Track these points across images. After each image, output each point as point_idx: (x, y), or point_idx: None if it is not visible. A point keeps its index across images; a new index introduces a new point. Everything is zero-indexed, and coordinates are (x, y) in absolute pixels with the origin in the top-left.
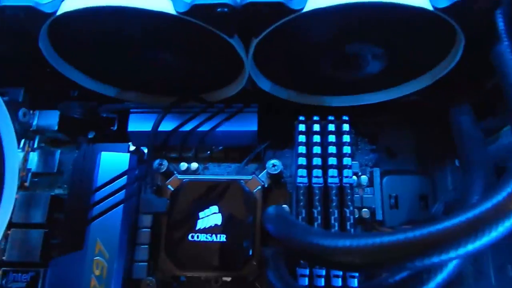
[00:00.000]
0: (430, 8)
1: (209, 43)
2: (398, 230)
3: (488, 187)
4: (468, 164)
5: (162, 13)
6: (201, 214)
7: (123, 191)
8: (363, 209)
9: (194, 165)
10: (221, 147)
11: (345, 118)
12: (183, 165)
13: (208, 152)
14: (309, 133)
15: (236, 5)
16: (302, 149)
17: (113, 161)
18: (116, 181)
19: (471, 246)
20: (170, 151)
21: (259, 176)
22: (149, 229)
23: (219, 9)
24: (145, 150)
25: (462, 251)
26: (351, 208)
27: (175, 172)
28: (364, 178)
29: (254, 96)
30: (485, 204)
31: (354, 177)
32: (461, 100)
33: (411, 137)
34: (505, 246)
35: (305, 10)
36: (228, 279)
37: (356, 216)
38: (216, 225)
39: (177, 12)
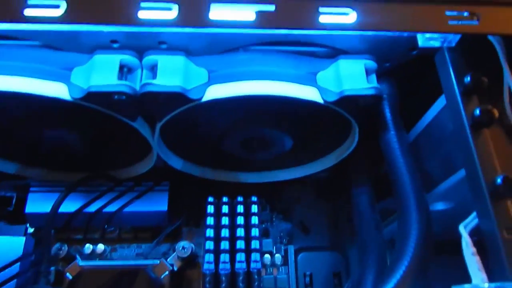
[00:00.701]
0: (321, 101)
1: (112, 125)
2: None
3: (380, 273)
4: (362, 245)
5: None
6: None
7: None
8: None
9: (100, 248)
10: (129, 227)
11: (254, 199)
12: (88, 248)
13: (116, 232)
14: (218, 215)
15: (134, 93)
16: (210, 233)
17: (6, 246)
18: (8, 269)
19: None
20: (74, 233)
21: (170, 258)
22: None
23: (116, 97)
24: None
25: None
26: None
27: (78, 257)
28: (278, 257)
29: (166, 174)
30: None
31: (267, 255)
32: (361, 180)
33: (325, 212)
34: None
35: (203, 100)
36: None
37: None
38: None
39: (72, 98)
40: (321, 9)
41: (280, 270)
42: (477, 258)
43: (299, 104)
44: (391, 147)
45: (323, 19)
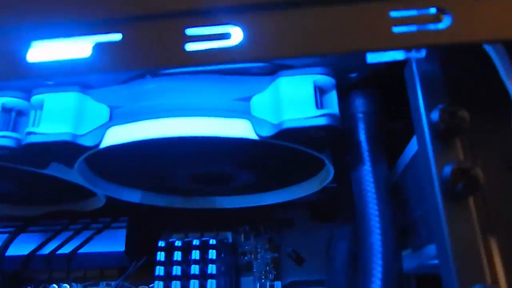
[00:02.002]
0: (255, 137)
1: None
2: None
3: None
4: None
5: None
6: None
7: None
8: None
9: None
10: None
11: (212, 242)
12: None
13: (82, 271)
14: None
15: (17, 146)
16: (159, 286)
17: None
18: None
19: None
20: (39, 273)
21: None
22: None
23: None
24: None
25: None
26: None
27: None
28: None
29: (125, 206)
30: None
31: None
32: (345, 218)
33: (321, 238)
34: None
35: (102, 146)
36: None
37: None
38: None
39: None
40: (189, 31)
41: None
42: None
43: (235, 140)
44: (362, 187)
45: (192, 46)
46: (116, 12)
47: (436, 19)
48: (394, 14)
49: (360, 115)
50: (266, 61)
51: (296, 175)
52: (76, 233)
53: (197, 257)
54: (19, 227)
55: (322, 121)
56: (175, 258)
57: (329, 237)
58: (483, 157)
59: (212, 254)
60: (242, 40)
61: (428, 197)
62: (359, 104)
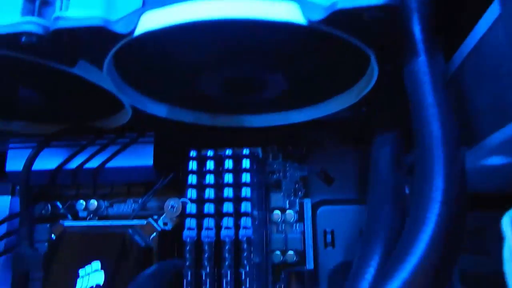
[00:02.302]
0: (304, 22)
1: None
2: None
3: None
4: (371, 216)
5: None
6: (81, 272)
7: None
8: (289, 251)
9: (93, 204)
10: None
11: (246, 152)
12: (81, 205)
13: (109, 187)
14: (202, 172)
15: (45, 32)
16: (192, 193)
17: None
18: None
19: None
20: (66, 189)
21: (163, 216)
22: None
23: (24, 39)
24: None
25: None
26: (247, 268)
27: (68, 216)
28: (289, 214)
29: (152, 122)
30: None
31: (277, 211)
32: (386, 128)
33: (350, 159)
34: None
35: (136, 34)
36: None
37: (280, 260)
38: (97, 285)
39: None
40: None
41: (294, 227)
42: None
43: (280, 28)
44: (418, 79)
45: None
46: None
47: None
48: None
49: (415, 5)
50: None
51: (331, 85)
52: (103, 147)
53: (230, 167)
54: (44, 141)
55: (380, 0)
56: (207, 167)
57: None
58: None
59: (246, 163)
60: None
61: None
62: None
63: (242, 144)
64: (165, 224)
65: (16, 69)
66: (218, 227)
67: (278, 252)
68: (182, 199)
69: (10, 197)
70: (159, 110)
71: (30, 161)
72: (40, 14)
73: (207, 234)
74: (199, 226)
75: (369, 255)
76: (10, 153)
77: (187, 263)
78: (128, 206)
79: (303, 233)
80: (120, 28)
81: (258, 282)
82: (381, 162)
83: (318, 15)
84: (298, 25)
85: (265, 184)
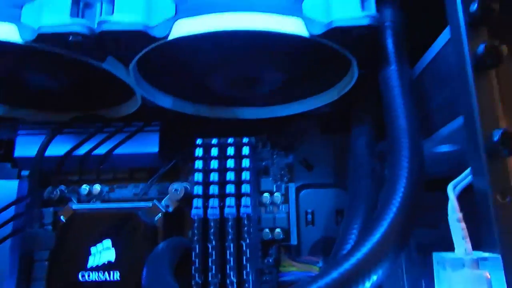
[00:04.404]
0: (307, 35)
1: (83, 66)
2: None
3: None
4: (352, 193)
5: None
6: (92, 250)
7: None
8: (276, 229)
9: (96, 189)
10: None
11: (245, 140)
12: (84, 189)
13: (112, 172)
14: (207, 158)
15: (91, 33)
16: (198, 177)
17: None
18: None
19: None
20: (70, 175)
21: (165, 199)
22: (46, 262)
23: (71, 38)
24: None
25: None
26: (248, 241)
27: (73, 200)
28: (277, 197)
29: (158, 113)
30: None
31: (266, 194)
32: (362, 120)
33: (328, 148)
34: (419, 262)
35: (170, 38)
36: None
37: (269, 237)
38: (109, 262)
39: (23, 40)
40: None
41: (280, 208)
42: (462, 225)
43: (284, 38)
44: (389, 83)
45: None
46: None
47: None
48: None
49: (389, 23)
50: None
51: (316, 84)
52: (111, 135)
53: (232, 153)
54: (56, 128)
55: (366, 21)
56: (212, 154)
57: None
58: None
59: (246, 150)
60: None
61: (459, 74)
62: (388, 14)
63: (235, 133)
64: (167, 206)
65: (36, 59)
66: (222, 206)
67: (267, 230)
68: (185, 184)
69: (17, 181)
70: (165, 101)
71: (44, 147)
72: (83, 16)
73: (213, 212)
74: (205, 206)
75: (353, 220)
76: (19, 140)
77: (195, 238)
78: (129, 191)
79: (288, 213)
80: (157, 33)
81: (256, 253)
82: (358, 148)
83: (318, 30)
84: (302, 37)
85: (257, 169)
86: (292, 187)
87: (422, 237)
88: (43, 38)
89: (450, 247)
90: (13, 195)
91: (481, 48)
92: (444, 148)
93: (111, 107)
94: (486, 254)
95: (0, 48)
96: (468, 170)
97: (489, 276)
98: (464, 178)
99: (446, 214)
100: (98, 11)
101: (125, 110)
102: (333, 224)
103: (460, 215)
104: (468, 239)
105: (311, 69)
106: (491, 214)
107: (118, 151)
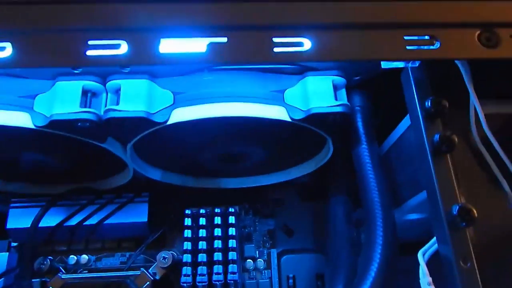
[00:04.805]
0: (289, 119)
1: (84, 146)
2: None
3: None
4: (333, 260)
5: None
6: None
7: None
8: None
9: (85, 258)
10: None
11: (231, 209)
12: (72, 259)
13: (100, 242)
14: (196, 227)
15: (98, 119)
16: (187, 245)
17: None
18: None
19: None
20: (58, 245)
21: (153, 267)
22: None
23: (80, 124)
24: None
25: None
26: None
27: (61, 270)
28: (260, 262)
29: (147, 184)
30: None
31: (250, 261)
32: (338, 190)
33: (309, 215)
34: None
35: (169, 123)
36: None
37: None
38: None
39: (36, 126)
40: (275, 40)
41: (263, 274)
42: None
43: (268, 122)
44: (362, 160)
45: (277, 49)
46: (224, 22)
47: (430, 42)
48: (406, 38)
49: (358, 108)
50: (325, 61)
51: (295, 157)
52: (102, 206)
53: (220, 222)
54: (50, 201)
55: (340, 109)
56: (200, 223)
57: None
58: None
59: (232, 219)
60: (310, 47)
61: (420, 157)
62: (357, 100)
63: (220, 202)
64: (154, 274)
65: (41, 142)
66: (210, 273)
67: None
68: (172, 251)
69: (7, 253)
70: (154, 174)
71: (39, 219)
72: (90, 105)
73: (201, 280)
74: (194, 273)
75: (335, 286)
76: (12, 212)
77: None
78: (116, 259)
79: (270, 278)
80: (157, 119)
81: None
82: (337, 217)
83: (298, 116)
84: (284, 121)
85: (240, 236)
86: (274, 252)
87: None
88: (53, 124)
89: None
90: (2, 267)
91: (436, 137)
92: (413, 216)
93: (103, 179)
94: None
95: (11, 133)
96: (434, 239)
97: None
98: (432, 245)
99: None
100: (103, 101)
101: (116, 182)
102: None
103: (430, 279)
104: None
105: (292, 146)
106: (456, 277)
107: (108, 221)
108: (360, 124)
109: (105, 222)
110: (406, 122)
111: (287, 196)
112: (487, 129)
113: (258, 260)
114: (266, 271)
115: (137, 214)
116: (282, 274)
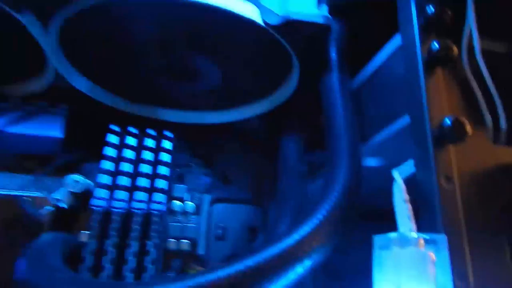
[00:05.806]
0: (261, 23)
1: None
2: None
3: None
4: (282, 193)
5: None
6: None
7: None
8: (183, 240)
9: None
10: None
11: (169, 134)
12: None
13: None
14: (121, 146)
15: None
16: (106, 165)
17: None
18: None
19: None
20: None
21: (59, 192)
22: None
23: None
24: None
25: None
26: (157, 240)
27: None
28: (190, 205)
29: (68, 96)
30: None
31: (178, 202)
32: (293, 128)
33: (249, 165)
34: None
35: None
36: None
37: (174, 248)
38: None
39: None
40: None
41: (190, 219)
42: (408, 206)
43: (233, 24)
44: (331, 90)
45: None
46: None
47: None
48: None
49: (334, 36)
50: None
51: (251, 90)
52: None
53: (152, 145)
54: None
55: (321, 20)
56: (128, 143)
57: None
58: None
59: (168, 144)
60: None
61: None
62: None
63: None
64: (58, 200)
65: None
66: (130, 200)
67: (173, 240)
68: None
69: None
70: (82, 84)
71: None
72: None
73: (118, 205)
74: (110, 197)
75: (282, 217)
76: None
77: (92, 233)
78: (13, 182)
79: (198, 224)
80: None
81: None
82: (289, 153)
83: (273, 21)
84: (254, 25)
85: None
86: (207, 198)
87: (331, 264)
88: None
89: (360, 273)
90: None
91: (435, 44)
92: (371, 162)
93: (14, 84)
94: (429, 235)
95: None
96: (409, 163)
97: (434, 257)
98: (405, 169)
99: (359, 242)
100: None
101: (31, 87)
102: (245, 241)
103: (407, 196)
104: (413, 219)
105: (251, 71)
106: (436, 198)
107: (12, 130)
108: (333, 52)
109: (10, 130)
110: (386, 51)
111: (229, 141)
112: (480, 58)
113: (188, 203)
114: (194, 216)
115: (50, 127)
116: (212, 223)
